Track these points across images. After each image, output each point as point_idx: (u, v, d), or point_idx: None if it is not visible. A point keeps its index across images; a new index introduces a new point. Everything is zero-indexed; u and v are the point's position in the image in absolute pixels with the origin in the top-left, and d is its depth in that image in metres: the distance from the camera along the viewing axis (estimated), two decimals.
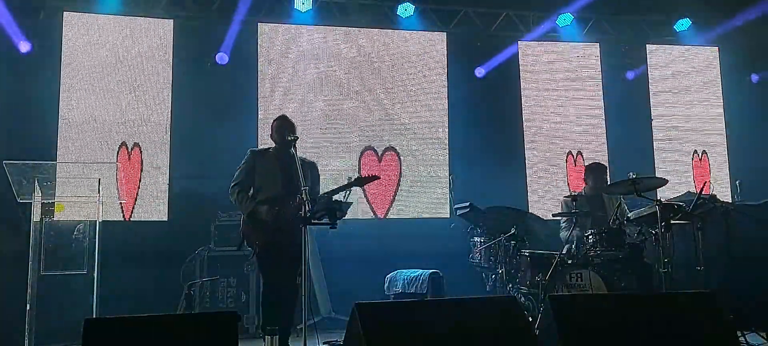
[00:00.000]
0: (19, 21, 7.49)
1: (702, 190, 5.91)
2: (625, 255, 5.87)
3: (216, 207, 7.12)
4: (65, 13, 7.77)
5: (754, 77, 9.54)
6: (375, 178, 5.12)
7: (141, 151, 7.80)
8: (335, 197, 5.03)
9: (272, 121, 5.51)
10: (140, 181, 7.78)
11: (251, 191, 5.24)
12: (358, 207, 8.19)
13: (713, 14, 9.32)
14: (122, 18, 7.97)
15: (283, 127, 5.29)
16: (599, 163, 7.13)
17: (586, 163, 7.61)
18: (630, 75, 9.42)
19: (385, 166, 8.56)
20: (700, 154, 9.42)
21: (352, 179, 5.01)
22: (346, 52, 8.63)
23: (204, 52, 8.09)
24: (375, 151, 8.55)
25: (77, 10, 7.84)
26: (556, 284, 5.75)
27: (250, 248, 5.33)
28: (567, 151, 9.08)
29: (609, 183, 6.76)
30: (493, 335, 3.71)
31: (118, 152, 7.68)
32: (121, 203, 7.40)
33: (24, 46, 7.48)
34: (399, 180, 8.59)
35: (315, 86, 8.47)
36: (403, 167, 8.63)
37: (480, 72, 9.01)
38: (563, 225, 6.74)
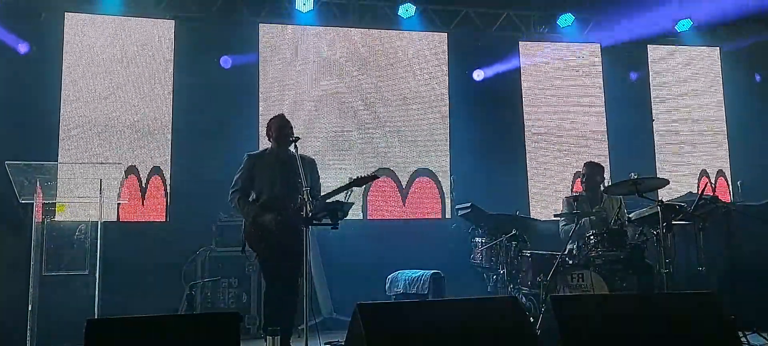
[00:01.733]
0: (20, 22, 7.51)
1: (703, 190, 5.90)
2: (626, 256, 5.86)
3: (217, 207, 7.12)
4: (66, 14, 7.79)
5: (758, 77, 9.53)
6: (374, 177, 5.12)
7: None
8: (337, 198, 5.02)
9: (269, 120, 5.49)
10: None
11: (252, 196, 5.23)
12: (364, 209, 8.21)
13: (714, 15, 9.31)
14: (123, 18, 7.98)
15: (283, 127, 5.29)
16: (595, 162, 7.10)
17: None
18: (633, 76, 9.39)
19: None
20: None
21: (352, 180, 5.01)
22: (346, 53, 8.64)
23: (205, 53, 8.09)
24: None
25: (78, 11, 7.86)
26: (558, 285, 5.74)
27: (252, 251, 5.31)
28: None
29: (607, 183, 6.74)
30: (495, 335, 3.71)
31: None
32: (118, 204, 7.41)
33: (22, 48, 7.49)
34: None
35: (315, 87, 8.48)
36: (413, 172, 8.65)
37: (478, 75, 8.98)
38: (563, 225, 6.73)
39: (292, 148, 5.04)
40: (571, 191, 8.80)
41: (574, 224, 6.12)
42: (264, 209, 5.10)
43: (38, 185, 5.82)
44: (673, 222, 5.61)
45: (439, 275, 6.90)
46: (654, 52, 9.56)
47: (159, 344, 3.40)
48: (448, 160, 8.70)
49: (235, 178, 5.28)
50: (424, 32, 8.88)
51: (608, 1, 9.01)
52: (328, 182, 7.78)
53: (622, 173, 6.58)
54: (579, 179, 6.88)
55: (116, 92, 7.87)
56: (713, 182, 9.30)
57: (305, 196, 4.69)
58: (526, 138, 9.04)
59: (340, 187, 5.04)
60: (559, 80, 9.27)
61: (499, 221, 6.63)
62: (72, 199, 6.29)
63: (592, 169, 6.77)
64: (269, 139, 5.39)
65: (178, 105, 7.97)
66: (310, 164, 5.22)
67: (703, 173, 9.38)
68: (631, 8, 9.15)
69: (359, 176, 5.04)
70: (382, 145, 8.60)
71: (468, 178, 8.29)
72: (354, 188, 5.04)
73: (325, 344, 5.71)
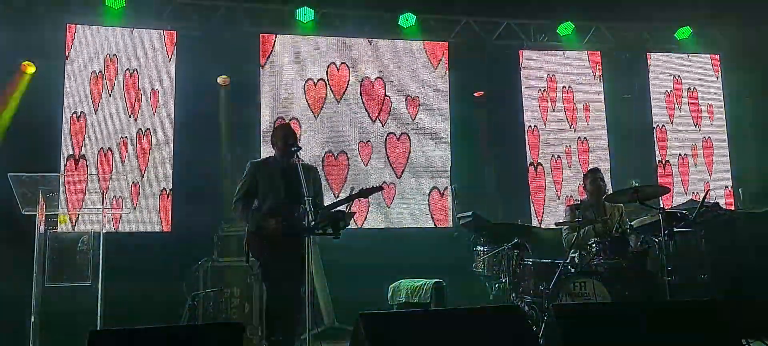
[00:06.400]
0: (22, 33, 7.54)
1: (705, 198, 5.90)
2: (628, 264, 5.85)
3: (219, 218, 7.13)
4: (69, 26, 7.82)
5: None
6: (379, 189, 5.13)
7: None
8: (339, 208, 5.03)
9: (274, 129, 5.51)
10: None
11: (255, 203, 5.23)
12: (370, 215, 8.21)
13: (714, 22, 9.34)
14: (125, 30, 8.01)
15: (286, 136, 5.29)
16: (594, 167, 7.10)
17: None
18: (633, 88, 9.35)
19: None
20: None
21: (355, 191, 5.02)
22: (347, 62, 8.66)
23: (207, 63, 8.12)
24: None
25: (81, 23, 7.89)
26: (560, 293, 5.74)
27: (255, 260, 5.31)
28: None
29: (607, 187, 6.73)
30: (497, 344, 3.72)
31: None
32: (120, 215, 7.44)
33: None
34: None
35: (316, 95, 8.50)
36: (405, 174, 8.66)
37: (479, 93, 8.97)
38: (566, 232, 6.72)
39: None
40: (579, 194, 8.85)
41: (576, 233, 6.11)
42: (267, 217, 5.11)
43: (41, 196, 5.83)
44: (675, 230, 5.61)
45: (442, 283, 6.90)
46: (654, 59, 9.58)
47: None
48: (449, 169, 8.70)
49: (238, 185, 5.28)
50: (424, 41, 8.91)
51: (608, 9, 9.04)
52: (328, 186, 7.85)
53: (623, 181, 6.59)
54: (581, 186, 6.85)
55: (118, 103, 7.89)
56: (715, 189, 9.29)
57: (307, 205, 4.69)
58: (527, 146, 9.05)
59: (343, 199, 5.04)
60: (560, 88, 9.29)
61: (501, 229, 6.62)
62: (74, 210, 6.30)
63: (592, 174, 6.75)
64: (273, 148, 5.40)
65: (180, 115, 7.99)
66: (313, 173, 5.22)
67: (705, 180, 9.39)
68: (631, 16, 9.19)
69: (363, 187, 5.05)
70: (383, 154, 8.60)
71: (469, 186, 8.28)
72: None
73: None
